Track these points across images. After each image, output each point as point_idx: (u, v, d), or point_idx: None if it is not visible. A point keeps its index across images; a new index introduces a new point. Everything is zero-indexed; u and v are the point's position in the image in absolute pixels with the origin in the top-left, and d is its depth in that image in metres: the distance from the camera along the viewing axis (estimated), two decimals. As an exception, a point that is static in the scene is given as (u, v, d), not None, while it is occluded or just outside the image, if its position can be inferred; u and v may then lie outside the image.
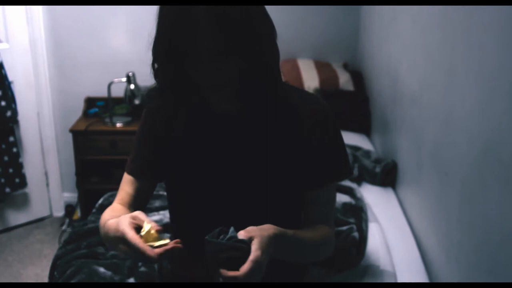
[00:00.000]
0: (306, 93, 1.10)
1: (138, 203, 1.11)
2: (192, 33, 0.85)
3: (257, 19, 0.89)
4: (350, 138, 2.41)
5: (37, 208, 2.94)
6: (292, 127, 1.04)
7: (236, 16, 0.84)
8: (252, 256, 0.82)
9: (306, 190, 1.09)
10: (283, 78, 1.06)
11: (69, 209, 3.00)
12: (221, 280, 0.82)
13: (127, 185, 1.11)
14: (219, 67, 0.89)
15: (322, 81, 2.73)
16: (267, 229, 0.89)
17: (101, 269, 1.30)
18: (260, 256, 0.82)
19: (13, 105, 2.55)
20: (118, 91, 2.78)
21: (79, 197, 2.86)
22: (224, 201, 1.06)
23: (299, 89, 1.10)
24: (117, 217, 0.91)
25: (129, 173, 1.11)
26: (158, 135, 1.08)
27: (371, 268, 1.35)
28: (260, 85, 0.96)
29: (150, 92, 1.07)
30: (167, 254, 0.84)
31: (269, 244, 0.86)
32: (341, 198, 1.73)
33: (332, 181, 1.08)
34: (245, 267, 0.81)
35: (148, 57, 0.95)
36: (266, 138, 1.04)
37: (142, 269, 1.31)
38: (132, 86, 2.65)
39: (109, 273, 1.29)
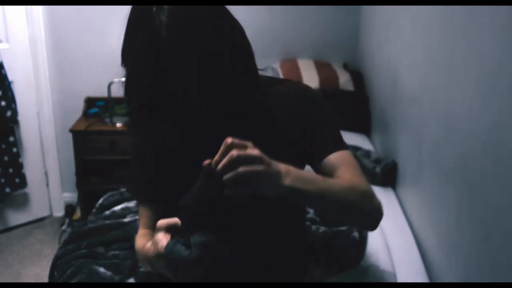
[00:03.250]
0: (289, 81, 1.11)
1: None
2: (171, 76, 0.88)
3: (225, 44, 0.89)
4: (350, 138, 2.40)
5: (37, 208, 2.94)
6: (279, 116, 1.05)
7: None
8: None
9: (315, 166, 1.05)
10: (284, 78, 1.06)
11: (69, 209, 3.00)
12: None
13: (143, 209, 1.11)
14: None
15: (322, 81, 2.73)
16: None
17: (101, 269, 1.30)
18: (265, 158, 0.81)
19: (13, 105, 2.55)
20: (118, 91, 2.77)
21: (79, 197, 2.86)
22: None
23: (281, 79, 1.12)
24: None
25: (139, 202, 1.11)
26: (151, 151, 1.08)
27: (371, 268, 1.35)
28: (238, 87, 0.95)
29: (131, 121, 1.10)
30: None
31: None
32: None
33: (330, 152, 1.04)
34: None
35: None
36: (257, 132, 1.03)
37: (142, 269, 1.30)
38: (132, 86, 2.65)
39: (109, 273, 1.29)
